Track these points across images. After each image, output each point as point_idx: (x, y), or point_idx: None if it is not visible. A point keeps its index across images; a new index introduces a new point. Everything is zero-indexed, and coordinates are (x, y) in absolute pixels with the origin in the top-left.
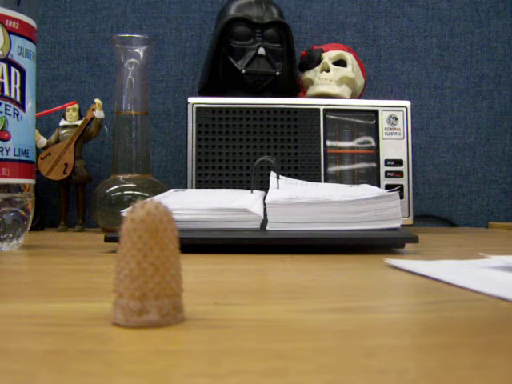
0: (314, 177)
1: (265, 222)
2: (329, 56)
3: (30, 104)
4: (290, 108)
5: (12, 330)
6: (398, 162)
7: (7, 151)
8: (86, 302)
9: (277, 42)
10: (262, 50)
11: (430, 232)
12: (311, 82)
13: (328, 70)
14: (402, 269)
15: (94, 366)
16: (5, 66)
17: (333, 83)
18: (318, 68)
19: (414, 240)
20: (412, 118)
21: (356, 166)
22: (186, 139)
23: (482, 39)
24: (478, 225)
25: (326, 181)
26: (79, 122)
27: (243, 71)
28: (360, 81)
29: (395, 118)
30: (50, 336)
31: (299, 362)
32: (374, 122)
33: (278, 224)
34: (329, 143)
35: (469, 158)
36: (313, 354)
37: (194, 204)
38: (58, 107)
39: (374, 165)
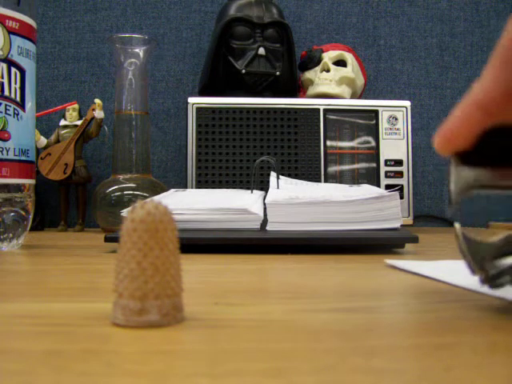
0: (313, 177)
1: (265, 221)
2: (329, 56)
3: (30, 104)
4: (290, 108)
5: (12, 330)
6: (398, 162)
7: (7, 151)
8: (86, 302)
9: (277, 42)
10: (261, 50)
11: (430, 232)
12: (311, 82)
13: (328, 70)
14: (401, 269)
15: (94, 365)
16: (5, 66)
17: (333, 83)
18: (317, 68)
19: (414, 240)
20: (412, 117)
21: (356, 166)
22: (186, 139)
23: (481, 39)
24: (478, 225)
25: (325, 181)
26: (79, 122)
27: (243, 71)
28: (360, 81)
29: (395, 118)
30: (50, 336)
31: (299, 362)
32: (374, 122)
33: (278, 224)
34: (329, 143)
35: None
36: (313, 354)
37: (194, 204)
38: (58, 107)
39: (374, 165)
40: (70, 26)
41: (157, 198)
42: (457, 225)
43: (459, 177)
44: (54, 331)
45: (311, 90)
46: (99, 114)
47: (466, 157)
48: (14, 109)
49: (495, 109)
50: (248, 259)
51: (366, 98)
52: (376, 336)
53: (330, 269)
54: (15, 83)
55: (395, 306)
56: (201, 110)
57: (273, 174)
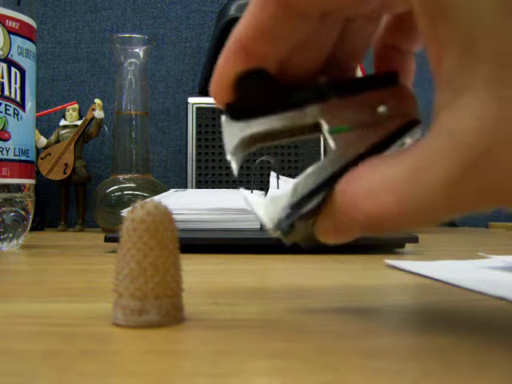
0: None
1: None
2: None
3: (30, 104)
4: None
5: (12, 329)
6: None
7: (7, 151)
8: (86, 302)
9: None
10: None
11: (430, 232)
12: None
13: None
14: (401, 269)
15: (94, 365)
16: (5, 66)
17: None
18: None
19: (414, 240)
20: None
21: None
22: (186, 139)
23: None
24: (478, 225)
25: None
26: (79, 122)
27: None
28: None
29: None
30: (50, 336)
31: (299, 362)
32: None
33: None
34: None
35: None
36: (313, 353)
37: (194, 204)
38: (58, 107)
39: None
40: (70, 26)
41: (157, 197)
42: (243, 191)
43: (231, 132)
44: (54, 331)
45: None
46: (99, 114)
47: (240, 106)
48: (14, 109)
49: (251, 44)
50: (248, 259)
51: None
52: (376, 336)
53: (329, 269)
54: (15, 83)
55: (395, 306)
56: (201, 110)
57: (273, 174)
